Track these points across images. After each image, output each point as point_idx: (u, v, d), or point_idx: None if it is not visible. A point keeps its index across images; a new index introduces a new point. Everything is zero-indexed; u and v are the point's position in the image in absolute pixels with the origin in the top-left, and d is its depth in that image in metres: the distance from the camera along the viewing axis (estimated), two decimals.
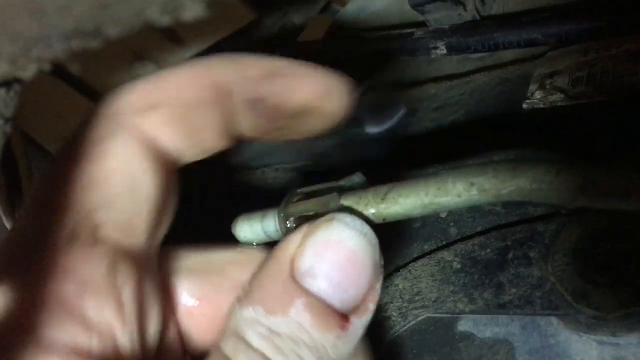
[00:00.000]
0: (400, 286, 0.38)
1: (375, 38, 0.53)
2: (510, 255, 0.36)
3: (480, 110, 0.45)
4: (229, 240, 0.33)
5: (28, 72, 0.17)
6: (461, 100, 0.46)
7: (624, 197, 0.27)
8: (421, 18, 0.50)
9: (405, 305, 0.37)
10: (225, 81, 0.27)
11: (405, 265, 0.39)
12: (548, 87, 0.40)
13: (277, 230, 0.33)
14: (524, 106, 0.41)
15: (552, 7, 0.50)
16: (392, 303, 0.38)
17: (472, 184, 0.28)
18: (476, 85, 0.47)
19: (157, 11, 0.16)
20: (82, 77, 0.49)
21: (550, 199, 0.28)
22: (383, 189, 0.30)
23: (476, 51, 0.48)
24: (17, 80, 0.18)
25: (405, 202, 0.30)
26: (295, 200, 0.33)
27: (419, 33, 0.51)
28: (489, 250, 0.37)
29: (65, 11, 0.15)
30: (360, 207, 0.31)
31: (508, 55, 0.50)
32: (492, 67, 0.50)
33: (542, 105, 0.40)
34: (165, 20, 0.16)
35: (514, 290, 0.34)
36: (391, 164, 0.42)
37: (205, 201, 0.48)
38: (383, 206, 0.30)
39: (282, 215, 0.33)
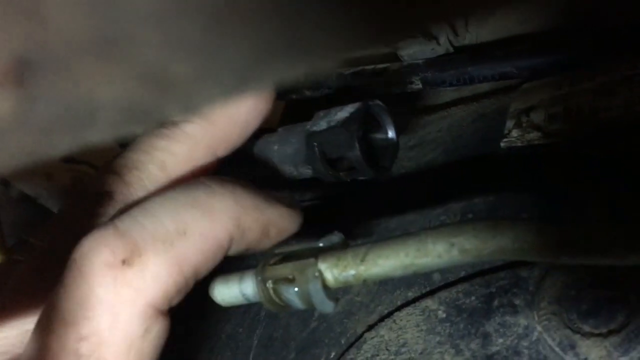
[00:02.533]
0: (386, 337, 0.37)
1: (349, 73, 0.52)
2: (495, 303, 0.35)
3: (458, 147, 0.44)
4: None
5: None
6: (438, 138, 0.46)
7: (605, 254, 0.26)
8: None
9: (391, 357, 0.37)
10: None
11: (389, 315, 0.38)
12: (524, 124, 0.40)
13: (256, 294, 0.32)
14: (502, 144, 0.40)
15: (524, 36, 0.50)
16: (378, 355, 0.37)
17: (452, 244, 0.28)
18: (453, 120, 0.46)
19: (100, 130, 0.15)
20: None
21: (532, 257, 0.27)
22: (362, 249, 0.30)
23: (451, 85, 0.48)
24: None
25: (385, 263, 0.29)
26: (272, 262, 0.32)
27: (392, 68, 0.50)
28: (473, 298, 0.36)
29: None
30: (339, 269, 0.30)
31: (484, 86, 0.50)
32: (469, 99, 0.50)
33: (519, 144, 0.40)
34: (109, 138, 0.16)
35: (501, 340, 0.34)
36: (372, 209, 0.41)
37: None
38: (362, 268, 0.29)
39: (259, 278, 0.32)
